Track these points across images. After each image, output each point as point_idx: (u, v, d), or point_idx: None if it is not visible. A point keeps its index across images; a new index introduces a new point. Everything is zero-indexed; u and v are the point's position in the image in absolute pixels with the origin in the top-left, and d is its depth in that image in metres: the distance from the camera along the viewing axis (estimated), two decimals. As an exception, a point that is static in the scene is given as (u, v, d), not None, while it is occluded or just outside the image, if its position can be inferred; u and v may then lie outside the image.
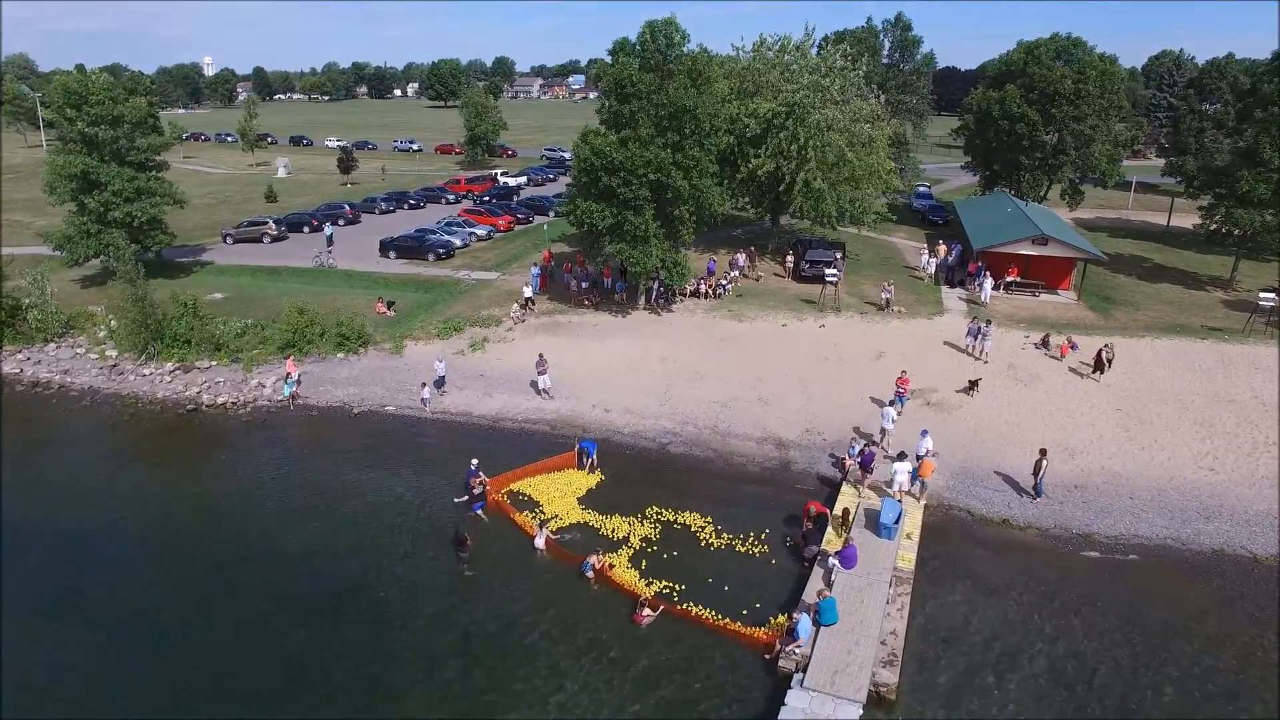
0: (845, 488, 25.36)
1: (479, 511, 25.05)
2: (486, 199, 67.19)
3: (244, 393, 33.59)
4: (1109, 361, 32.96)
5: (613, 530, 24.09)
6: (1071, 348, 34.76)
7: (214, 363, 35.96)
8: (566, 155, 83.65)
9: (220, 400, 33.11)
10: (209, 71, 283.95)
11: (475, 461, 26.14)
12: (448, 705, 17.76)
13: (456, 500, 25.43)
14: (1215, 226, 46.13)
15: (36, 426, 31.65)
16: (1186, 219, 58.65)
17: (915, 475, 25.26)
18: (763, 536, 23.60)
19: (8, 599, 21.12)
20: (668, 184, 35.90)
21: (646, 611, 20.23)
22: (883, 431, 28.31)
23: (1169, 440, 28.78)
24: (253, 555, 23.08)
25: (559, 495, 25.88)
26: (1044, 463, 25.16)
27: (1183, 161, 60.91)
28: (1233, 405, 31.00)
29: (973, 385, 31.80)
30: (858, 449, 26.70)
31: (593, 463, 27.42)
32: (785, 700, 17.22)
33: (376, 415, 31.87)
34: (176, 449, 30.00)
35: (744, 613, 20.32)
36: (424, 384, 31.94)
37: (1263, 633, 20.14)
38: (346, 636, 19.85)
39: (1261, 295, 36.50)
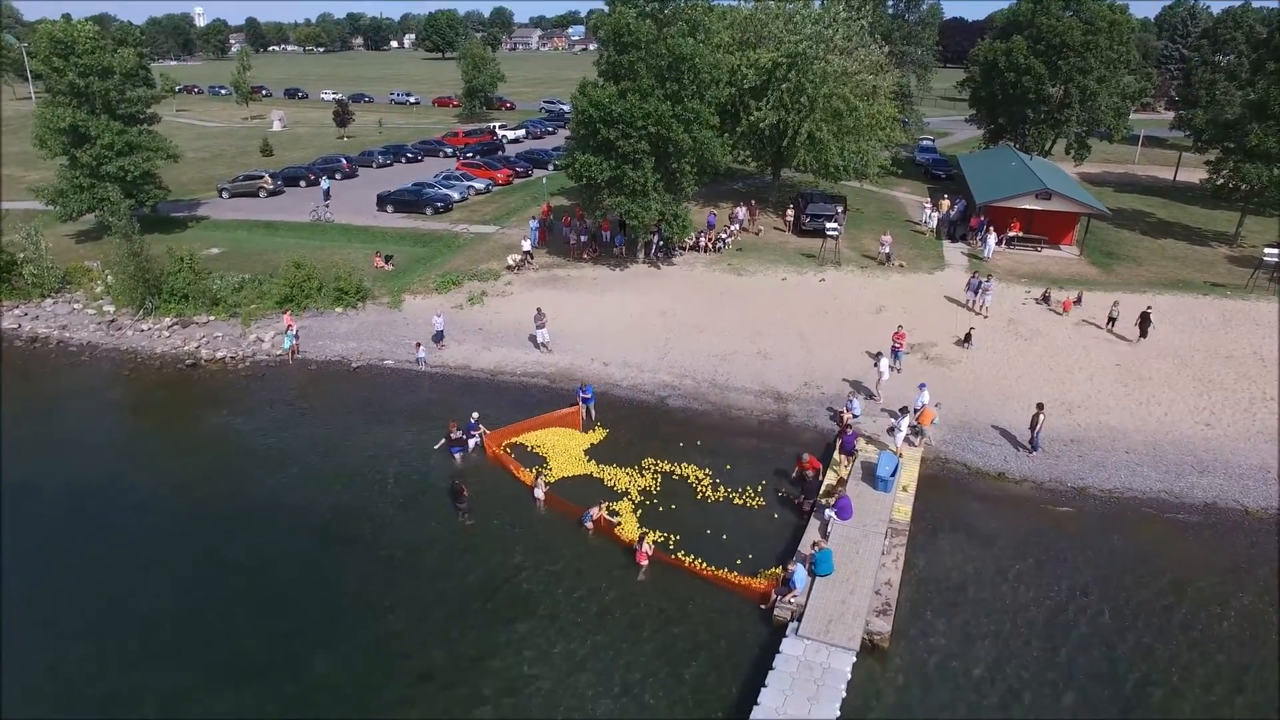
0: (834, 464, 24.48)
1: (456, 455, 25.47)
2: (470, 155, 65.27)
3: (242, 347, 33.56)
4: (1114, 321, 32.88)
5: (614, 482, 24.26)
6: (1075, 303, 34.63)
7: (212, 318, 35.86)
8: (565, 108, 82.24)
9: (219, 355, 33.10)
10: (200, 22, 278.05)
11: (476, 415, 26.26)
12: (449, 653, 18.09)
13: (435, 447, 25.81)
14: (1222, 181, 45.55)
15: (37, 382, 31.70)
16: (1194, 174, 57.94)
17: (915, 426, 25.40)
18: (759, 489, 23.79)
19: (12, 551, 21.40)
20: (668, 137, 35.35)
21: (647, 547, 20.50)
22: (878, 381, 28.37)
23: (1167, 395, 28.83)
24: (254, 507, 23.28)
25: (562, 450, 25.95)
26: (1041, 417, 25.21)
27: (1192, 115, 59.96)
28: (1232, 361, 30.99)
29: (967, 338, 31.73)
30: (857, 404, 26.82)
31: (590, 411, 27.51)
32: (780, 648, 17.54)
33: (375, 369, 31.89)
34: (177, 404, 30.08)
35: (738, 563, 20.55)
36: (418, 344, 31.89)
37: (1251, 583, 20.41)
38: (349, 586, 20.13)
39: (1266, 251, 36.19)
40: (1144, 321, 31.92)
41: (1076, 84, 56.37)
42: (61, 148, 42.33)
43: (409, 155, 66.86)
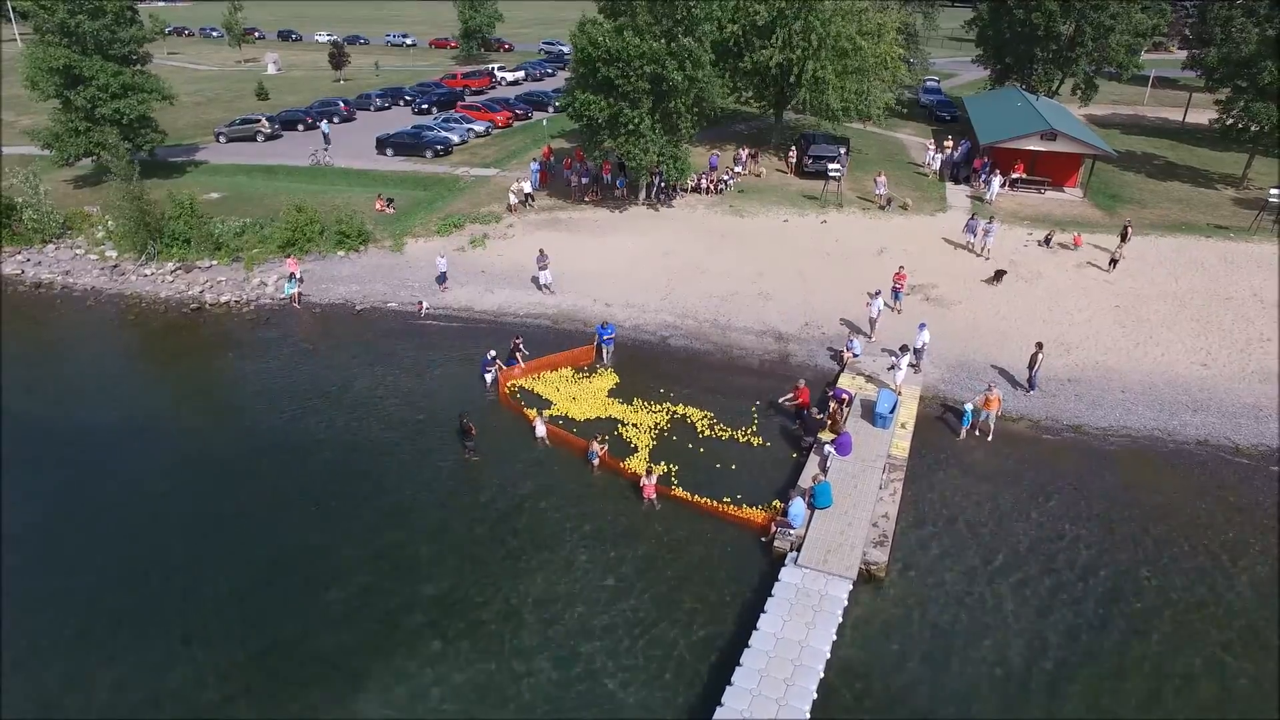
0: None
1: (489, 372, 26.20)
2: (425, 106, 62.19)
3: (246, 291, 33.69)
4: (1115, 263, 33.00)
5: (632, 421, 24.57)
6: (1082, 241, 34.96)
7: (215, 262, 35.88)
8: (565, 49, 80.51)
9: (224, 299, 33.25)
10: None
11: (493, 353, 26.55)
12: (458, 588, 18.71)
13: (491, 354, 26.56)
14: (1232, 121, 44.85)
15: (43, 328, 31.93)
16: (1203, 115, 57.00)
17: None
18: (755, 426, 24.21)
19: (22, 493, 21.91)
20: (663, 75, 34.83)
21: (656, 479, 21.03)
22: (871, 321, 28.59)
23: (1164, 336, 29.04)
24: (264, 448, 23.70)
25: (576, 394, 26.02)
26: (1039, 357, 25.45)
27: (1205, 53, 58.61)
28: (1231, 303, 31.10)
29: (997, 276, 32.12)
30: (858, 343, 27.09)
31: (609, 351, 27.82)
32: (779, 576, 18.11)
33: (379, 312, 32.08)
34: (183, 348, 30.32)
35: (733, 497, 21.02)
36: (420, 304, 31.90)
37: (1236, 517, 20.93)
38: (359, 522, 20.66)
39: (1272, 192, 35.95)
40: (1124, 234, 34.03)
41: (1090, 20, 55.08)
42: (55, 90, 41.63)
43: (407, 98, 65.59)
